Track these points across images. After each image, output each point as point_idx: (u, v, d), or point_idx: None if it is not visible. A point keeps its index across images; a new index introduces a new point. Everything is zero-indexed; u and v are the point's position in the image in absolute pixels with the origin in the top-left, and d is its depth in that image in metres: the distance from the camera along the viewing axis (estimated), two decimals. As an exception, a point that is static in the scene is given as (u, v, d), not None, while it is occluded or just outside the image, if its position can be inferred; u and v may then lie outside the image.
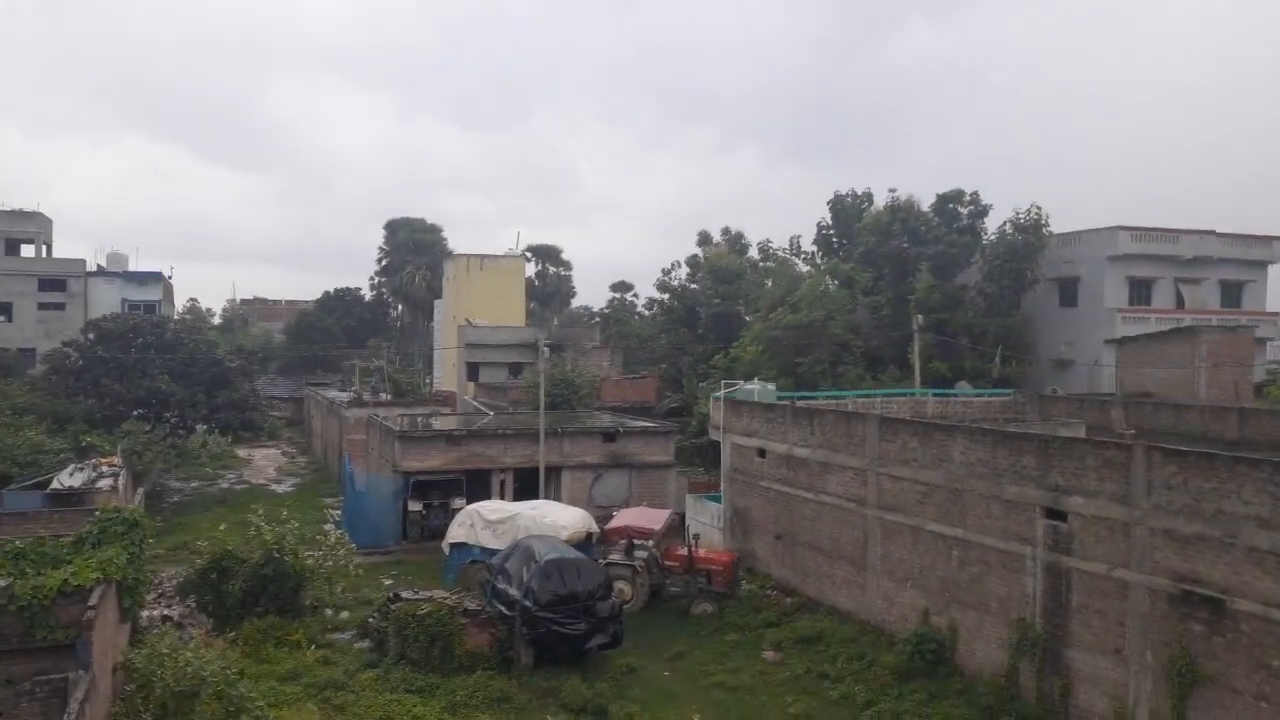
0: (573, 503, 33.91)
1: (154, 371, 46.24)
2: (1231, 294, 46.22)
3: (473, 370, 62.57)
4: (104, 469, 32.00)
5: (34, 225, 64.99)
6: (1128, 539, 17.44)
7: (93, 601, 16.48)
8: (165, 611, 25.29)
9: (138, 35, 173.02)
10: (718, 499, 33.60)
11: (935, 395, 36.36)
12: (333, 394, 63.11)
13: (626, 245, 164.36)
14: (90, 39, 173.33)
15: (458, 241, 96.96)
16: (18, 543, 18.37)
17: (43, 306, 62.04)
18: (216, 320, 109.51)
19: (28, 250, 65.14)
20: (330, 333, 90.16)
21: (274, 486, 50.50)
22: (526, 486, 36.22)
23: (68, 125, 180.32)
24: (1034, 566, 19.54)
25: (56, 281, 62.93)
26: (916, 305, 42.34)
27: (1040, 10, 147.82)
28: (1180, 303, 44.76)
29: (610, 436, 38.32)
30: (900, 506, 23.72)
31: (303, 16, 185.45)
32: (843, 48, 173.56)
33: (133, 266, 69.29)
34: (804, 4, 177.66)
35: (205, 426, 49.50)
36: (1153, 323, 42.14)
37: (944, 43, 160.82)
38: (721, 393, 33.88)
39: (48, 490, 29.36)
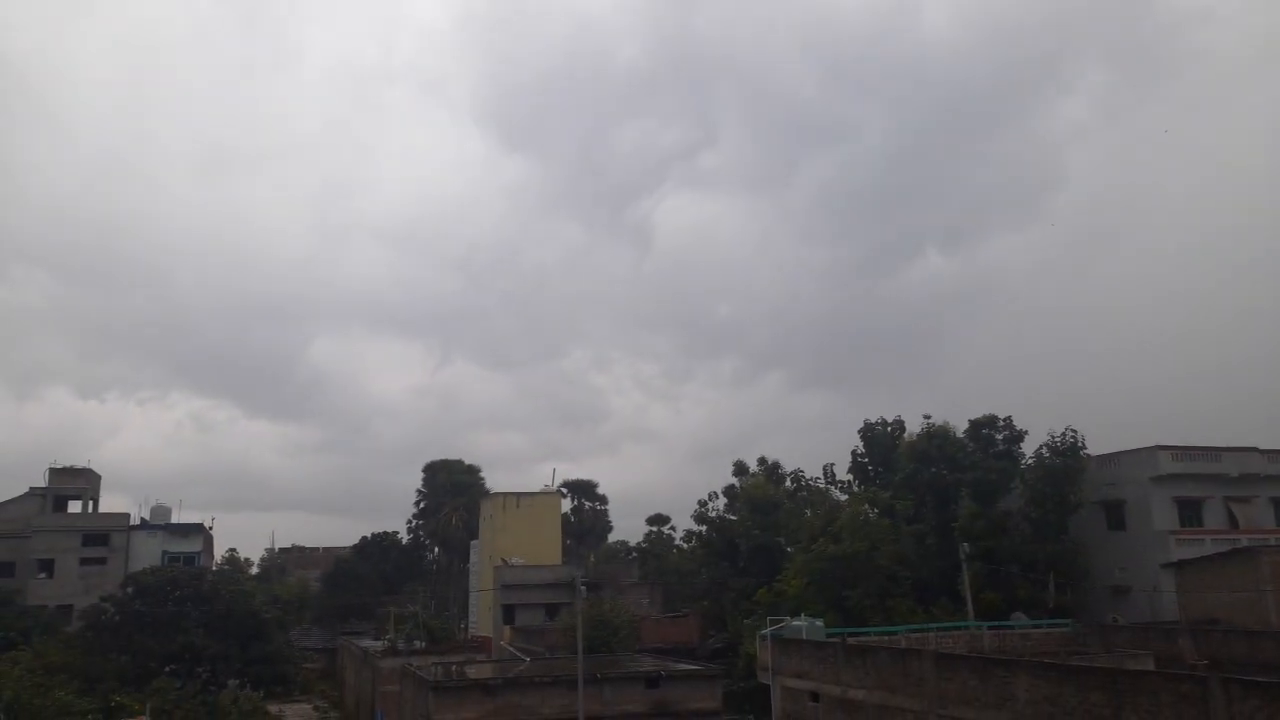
0: (616, 756, 32.01)
1: (189, 625, 45.95)
2: (1285, 510, 45.00)
3: (509, 613, 61.06)
4: (132, 731, 31.01)
5: (83, 481, 66.70)
6: (1219, 785, 16.16)
7: None
8: None
9: (185, 302, 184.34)
10: (770, 748, 31.67)
11: (991, 628, 34.94)
12: (366, 643, 61.61)
13: (660, 474, 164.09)
14: (139, 307, 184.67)
15: (495, 480, 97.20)
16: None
17: (85, 562, 62.43)
18: (254, 570, 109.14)
19: (74, 506, 66.45)
20: (366, 580, 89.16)
21: (303, 745, 48.39)
22: (567, 739, 34.34)
23: (117, 385, 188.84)
24: (1120, 819, 18.01)
25: (100, 536, 63.65)
26: (961, 533, 41.57)
27: (1043, 230, 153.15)
28: (1234, 522, 43.54)
29: (653, 682, 36.57)
30: (967, 753, 22.22)
31: (341, 275, 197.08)
32: (860, 277, 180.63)
33: (175, 518, 70.05)
34: (819, 239, 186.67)
35: (237, 681, 48.24)
36: (1207, 544, 40.89)
37: (957, 267, 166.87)
38: (768, 631, 32.74)
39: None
